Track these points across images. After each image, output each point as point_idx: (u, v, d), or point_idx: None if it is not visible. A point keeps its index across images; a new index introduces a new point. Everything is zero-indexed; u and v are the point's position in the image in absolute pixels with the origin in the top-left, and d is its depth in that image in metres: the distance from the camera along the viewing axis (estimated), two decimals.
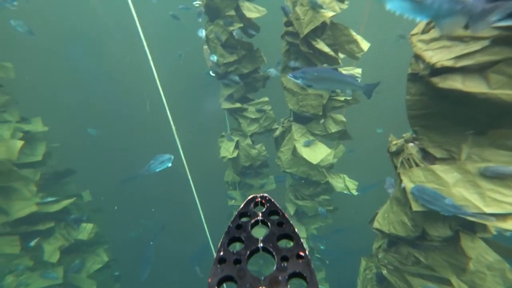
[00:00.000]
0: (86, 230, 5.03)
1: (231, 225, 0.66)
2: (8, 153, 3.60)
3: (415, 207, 2.05)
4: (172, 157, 4.29)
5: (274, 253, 0.58)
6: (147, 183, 9.82)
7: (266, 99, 5.38)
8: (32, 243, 4.27)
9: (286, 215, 0.67)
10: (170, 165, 4.29)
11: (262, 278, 0.54)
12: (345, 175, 4.67)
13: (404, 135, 2.35)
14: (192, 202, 5.69)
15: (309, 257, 0.57)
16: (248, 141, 5.33)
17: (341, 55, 3.78)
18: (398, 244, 2.55)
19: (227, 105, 5.19)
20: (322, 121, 4.17)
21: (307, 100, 3.84)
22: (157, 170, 4.32)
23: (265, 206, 0.70)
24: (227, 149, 5.24)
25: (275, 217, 0.67)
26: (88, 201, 6.02)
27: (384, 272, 2.64)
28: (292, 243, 0.61)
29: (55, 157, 5.92)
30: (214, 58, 4.88)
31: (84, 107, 9.44)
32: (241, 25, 4.51)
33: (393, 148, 2.33)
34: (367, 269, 3.33)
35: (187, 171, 5.35)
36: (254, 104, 5.34)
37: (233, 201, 6.26)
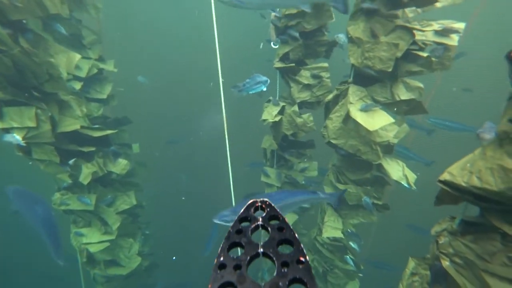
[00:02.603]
0: (120, 165, 5.17)
1: (231, 230, 0.65)
2: (67, 64, 3.79)
3: None
4: (269, 81, 3.88)
5: (274, 259, 0.58)
6: (188, 148, 10.05)
7: (326, 65, 4.68)
8: (71, 162, 4.50)
9: (286, 220, 0.67)
10: (265, 89, 3.91)
11: (263, 284, 0.53)
12: (403, 163, 3.72)
13: None
14: (225, 177, 5.40)
15: (309, 262, 0.56)
16: (295, 108, 4.73)
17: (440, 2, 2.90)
18: (483, 229, 1.66)
19: (279, 64, 4.69)
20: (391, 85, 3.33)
21: (375, 50, 3.07)
22: (251, 92, 3.96)
23: (265, 211, 0.70)
24: (270, 113, 4.75)
25: (275, 222, 0.67)
26: (136, 153, 6.36)
27: (446, 264, 1.78)
28: (292, 248, 0.60)
29: (117, 100, 6.41)
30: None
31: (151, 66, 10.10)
32: None
33: None
34: (417, 274, 2.44)
35: (227, 142, 5.06)
36: (310, 69, 4.71)
37: (266, 178, 5.75)
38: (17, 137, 3.65)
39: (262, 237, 0.67)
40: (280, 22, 4.55)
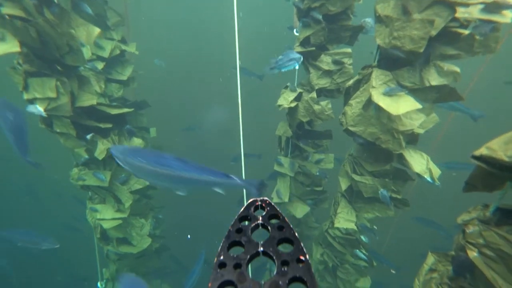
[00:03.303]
0: (135, 144, 5.24)
1: (231, 229, 0.66)
2: (87, 37, 3.84)
3: None
4: (302, 58, 3.72)
5: (274, 258, 0.58)
6: (202, 135, 10.09)
7: (349, 50, 4.45)
8: (89, 136, 4.60)
9: (286, 219, 0.67)
10: (297, 67, 3.78)
11: (263, 282, 0.53)
12: (428, 156, 3.45)
13: None
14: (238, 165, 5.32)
15: (309, 261, 0.56)
16: (313, 95, 4.54)
17: None
18: None
19: (299, 49, 4.50)
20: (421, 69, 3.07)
21: (406, 29, 2.82)
22: (283, 70, 3.81)
23: (265, 209, 0.70)
24: (286, 98, 4.58)
25: (275, 221, 0.67)
26: (153, 137, 6.46)
27: (473, 255, 1.58)
28: (292, 247, 0.60)
29: (138, 83, 6.53)
30: None
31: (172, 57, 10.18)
32: None
33: None
34: (436, 270, 2.24)
35: (241, 128, 4.97)
36: (332, 54, 4.49)
37: (279, 167, 5.61)
38: (39, 108, 3.76)
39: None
40: (303, 3, 4.35)
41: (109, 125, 4.79)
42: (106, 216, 5.52)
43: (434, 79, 2.98)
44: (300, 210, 5.46)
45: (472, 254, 1.59)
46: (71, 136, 4.31)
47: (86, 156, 4.82)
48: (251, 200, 0.73)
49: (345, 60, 4.43)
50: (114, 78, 5.87)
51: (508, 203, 1.61)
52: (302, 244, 0.60)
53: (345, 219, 3.95)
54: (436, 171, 3.44)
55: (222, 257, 0.58)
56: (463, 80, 3.05)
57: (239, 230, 0.65)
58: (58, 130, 4.23)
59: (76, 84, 4.14)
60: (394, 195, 3.77)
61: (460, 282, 1.76)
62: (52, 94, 3.68)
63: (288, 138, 5.17)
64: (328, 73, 4.53)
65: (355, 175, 3.93)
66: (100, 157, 4.63)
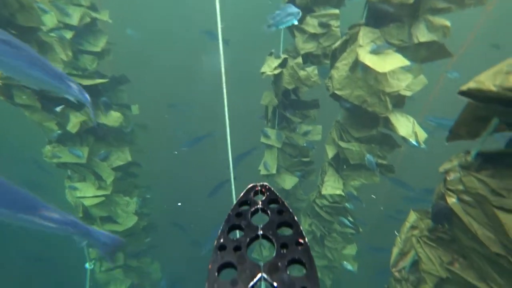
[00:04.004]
0: (112, 117, 4.93)
1: (231, 213, 0.67)
2: None
3: None
4: (301, 13, 3.47)
5: (273, 240, 0.60)
6: (187, 110, 9.76)
7: (336, 11, 4.18)
8: (58, 109, 4.27)
9: (286, 203, 0.69)
10: (296, 22, 3.50)
11: (262, 264, 0.54)
12: (414, 119, 3.37)
13: None
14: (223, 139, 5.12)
15: (308, 244, 0.58)
16: (299, 60, 4.31)
17: None
18: (507, 163, 1.36)
19: None
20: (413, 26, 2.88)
21: None
22: (281, 26, 3.52)
23: (265, 194, 0.72)
24: (270, 65, 4.35)
25: (274, 206, 0.69)
26: (135, 115, 6.10)
27: (452, 201, 1.52)
28: (291, 231, 0.61)
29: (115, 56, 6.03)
30: None
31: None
32: None
33: None
34: (417, 228, 2.21)
35: (225, 99, 4.70)
36: (318, 16, 4.22)
37: (266, 139, 5.47)
38: None
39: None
40: None
41: None
42: (87, 194, 5.31)
43: (423, 36, 2.81)
44: (288, 181, 5.42)
45: (451, 200, 1.54)
46: (37, 108, 3.98)
47: (58, 131, 4.51)
48: (250, 185, 0.74)
49: (332, 22, 4.17)
50: (86, 50, 5.40)
51: (489, 148, 1.54)
52: (301, 228, 0.60)
53: (332, 187, 3.92)
54: (422, 135, 3.37)
55: (222, 240, 0.59)
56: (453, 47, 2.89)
57: (239, 214, 0.66)
58: (20, 102, 3.88)
59: (35, 50, 3.74)
60: (380, 161, 3.72)
61: (438, 232, 1.73)
62: None
63: (275, 109, 4.99)
64: (314, 37, 4.29)
65: (341, 142, 3.84)
66: (74, 131, 4.34)
